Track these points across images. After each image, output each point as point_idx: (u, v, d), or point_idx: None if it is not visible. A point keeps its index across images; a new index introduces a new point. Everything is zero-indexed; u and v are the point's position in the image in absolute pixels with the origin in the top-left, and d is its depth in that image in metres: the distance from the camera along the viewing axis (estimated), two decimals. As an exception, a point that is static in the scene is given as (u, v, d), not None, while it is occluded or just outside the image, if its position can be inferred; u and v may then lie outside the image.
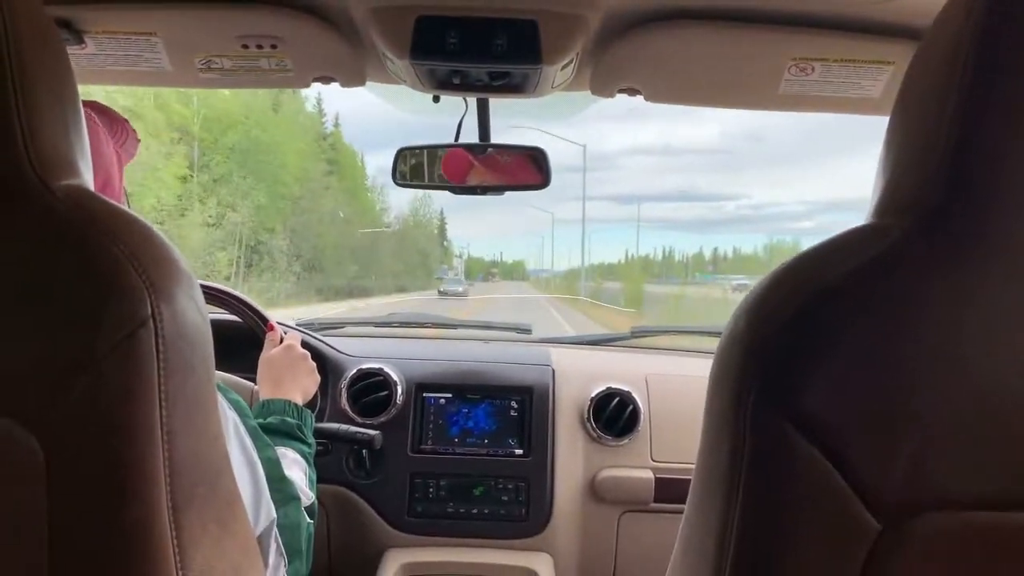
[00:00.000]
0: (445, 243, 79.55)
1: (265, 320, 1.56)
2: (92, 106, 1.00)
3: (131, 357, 0.56)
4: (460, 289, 32.28)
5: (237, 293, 1.60)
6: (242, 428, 0.93)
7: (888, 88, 1.20)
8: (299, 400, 1.29)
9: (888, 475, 0.50)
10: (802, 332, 0.51)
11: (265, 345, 1.41)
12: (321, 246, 28.70)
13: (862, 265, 0.52)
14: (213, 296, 1.57)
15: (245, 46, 1.17)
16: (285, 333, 1.49)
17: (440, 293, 30.16)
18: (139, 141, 1.06)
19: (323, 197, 29.25)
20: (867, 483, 0.50)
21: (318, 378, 1.43)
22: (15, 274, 0.56)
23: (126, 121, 1.04)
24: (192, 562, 0.61)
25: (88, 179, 0.65)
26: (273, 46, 1.17)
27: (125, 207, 0.64)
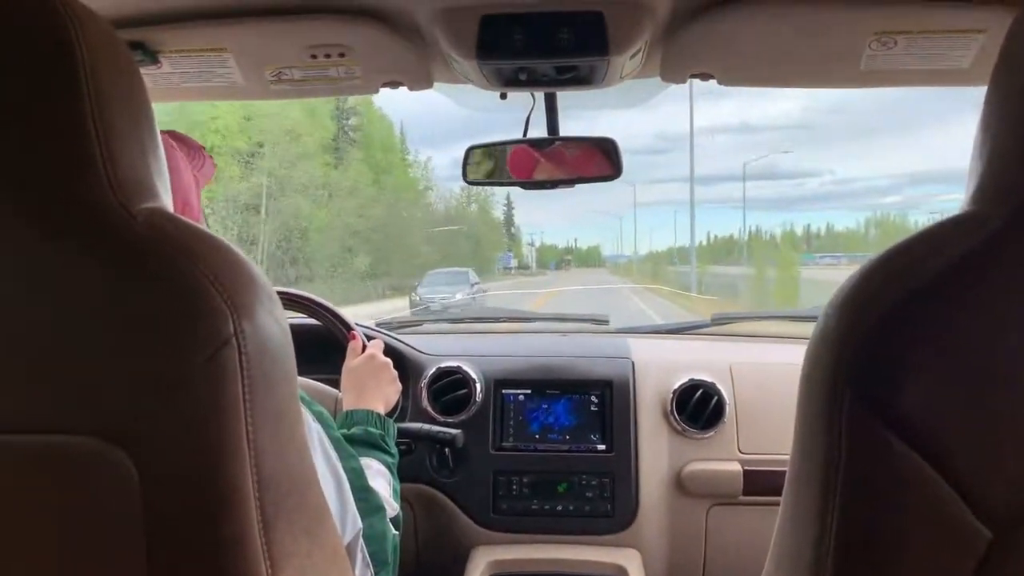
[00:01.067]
0: (513, 230, 78.93)
1: (348, 326, 1.58)
2: (170, 133, 1.03)
3: (216, 376, 0.57)
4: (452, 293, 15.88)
5: (319, 299, 1.62)
6: (326, 440, 0.94)
7: (980, 58, 1.13)
8: (381, 409, 1.30)
9: (996, 480, 0.46)
10: (898, 331, 0.48)
11: (348, 354, 1.42)
12: (387, 247, 29.01)
13: (959, 258, 0.49)
14: (296, 302, 1.60)
15: (314, 56, 1.18)
16: (367, 340, 1.50)
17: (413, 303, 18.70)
18: (215, 166, 1.09)
19: (377, 201, 29.48)
20: (974, 489, 0.47)
21: (400, 386, 1.44)
22: (100, 297, 0.57)
23: (202, 148, 1.06)
24: (283, 574, 0.62)
25: (167, 201, 0.66)
26: (341, 54, 1.18)
27: (203, 228, 0.64)
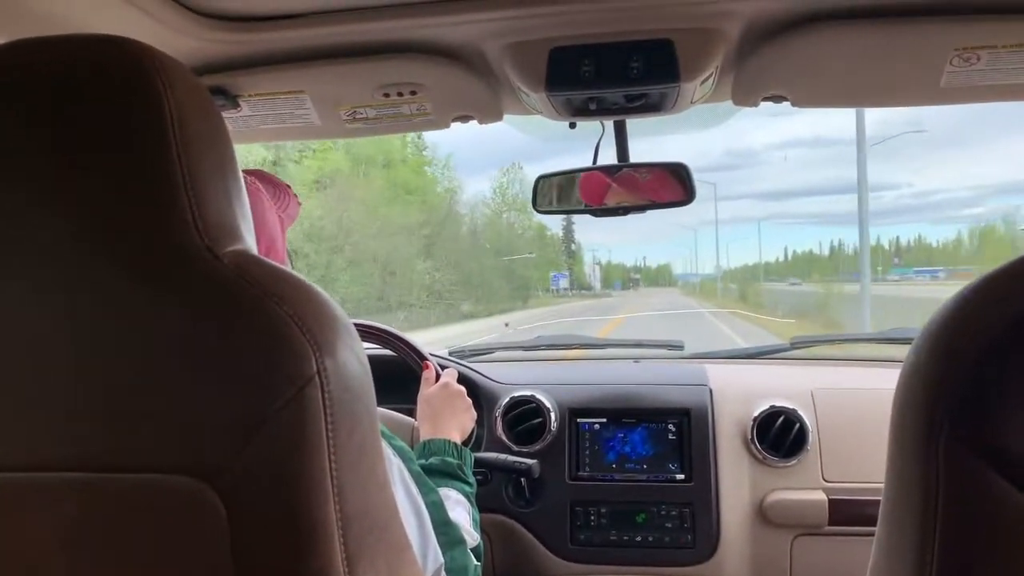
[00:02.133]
0: (573, 247, 76.05)
1: (422, 356, 1.59)
2: (255, 174, 1.06)
3: (300, 414, 0.58)
4: None
5: (393, 330, 1.65)
6: (406, 474, 0.95)
7: None
8: (457, 438, 1.30)
9: None
10: (997, 365, 0.46)
11: (422, 383, 1.44)
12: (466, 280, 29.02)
13: None
14: (371, 334, 1.63)
15: (387, 94, 1.21)
16: (441, 369, 1.51)
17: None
18: (300, 204, 1.12)
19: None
20: None
21: (475, 414, 1.44)
22: (188, 339, 0.59)
23: (288, 187, 1.09)
24: None
25: (251, 243, 0.68)
26: (413, 92, 1.21)
27: (288, 268, 0.66)
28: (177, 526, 0.59)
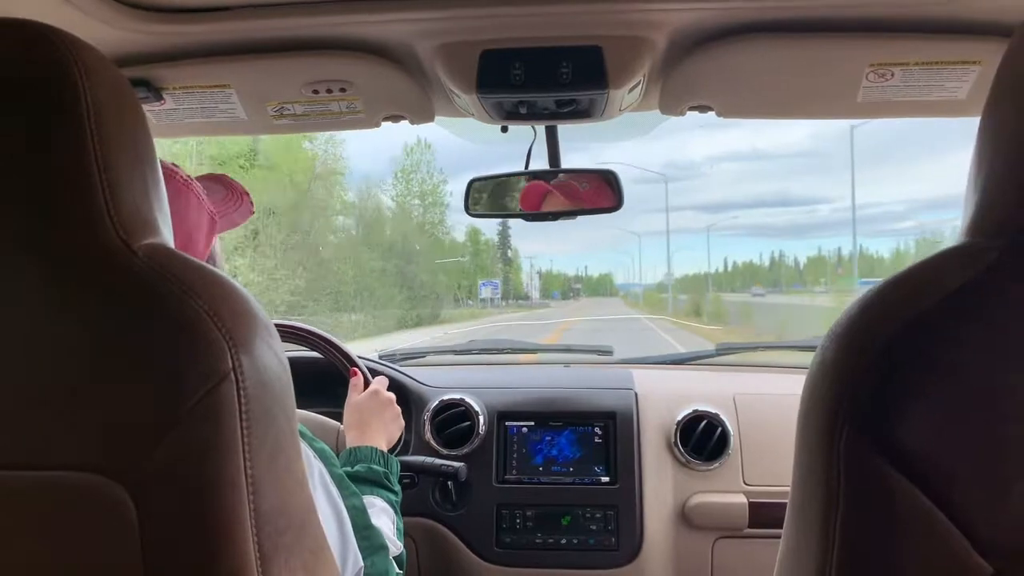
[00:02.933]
0: (509, 252, 71.15)
1: (351, 361, 1.57)
2: (214, 177, 1.04)
3: (214, 411, 0.57)
4: None
5: (322, 332, 1.61)
6: (327, 476, 0.93)
7: (976, 88, 1.14)
8: (384, 446, 1.29)
9: (999, 514, 0.46)
10: (896, 363, 0.48)
11: (351, 389, 1.42)
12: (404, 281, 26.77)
13: (956, 290, 0.49)
14: (298, 336, 1.60)
15: (316, 91, 1.20)
16: (371, 376, 1.49)
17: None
18: (253, 212, 1.10)
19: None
20: (975, 523, 0.46)
21: (403, 423, 1.43)
22: (100, 333, 0.57)
23: (245, 193, 1.08)
24: None
25: (168, 237, 0.66)
26: (342, 89, 1.19)
27: (203, 263, 0.65)
28: (85, 524, 0.58)
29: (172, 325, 0.58)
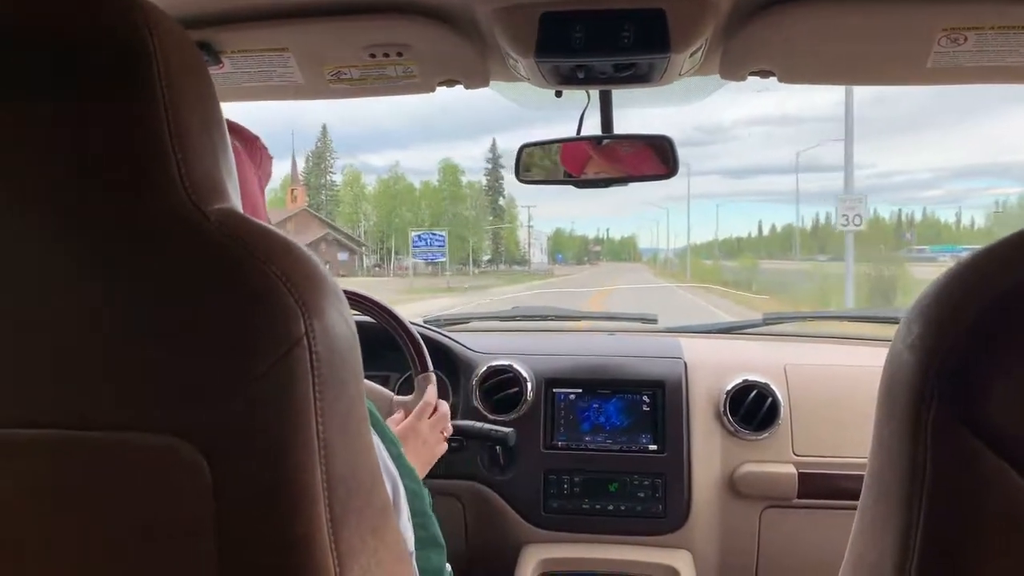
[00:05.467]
0: (501, 201, 57.37)
1: (426, 363, 1.48)
2: (228, 125, 1.01)
3: (288, 375, 0.57)
4: None
5: (383, 303, 1.52)
6: (384, 451, 0.91)
7: None
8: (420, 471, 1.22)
9: None
10: (988, 336, 0.47)
11: (418, 408, 1.36)
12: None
13: None
14: (357, 303, 1.52)
15: (372, 55, 1.19)
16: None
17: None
18: (272, 159, 1.04)
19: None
20: None
21: (445, 446, 1.39)
22: (175, 297, 0.58)
23: (257, 138, 1.02)
24: (351, 573, 0.62)
25: (237, 202, 0.66)
26: (399, 53, 1.19)
27: (271, 227, 0.65)
28: (159, 486, 0.58)
29: (245, 290, 0.58)
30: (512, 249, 61.24)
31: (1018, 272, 0.48)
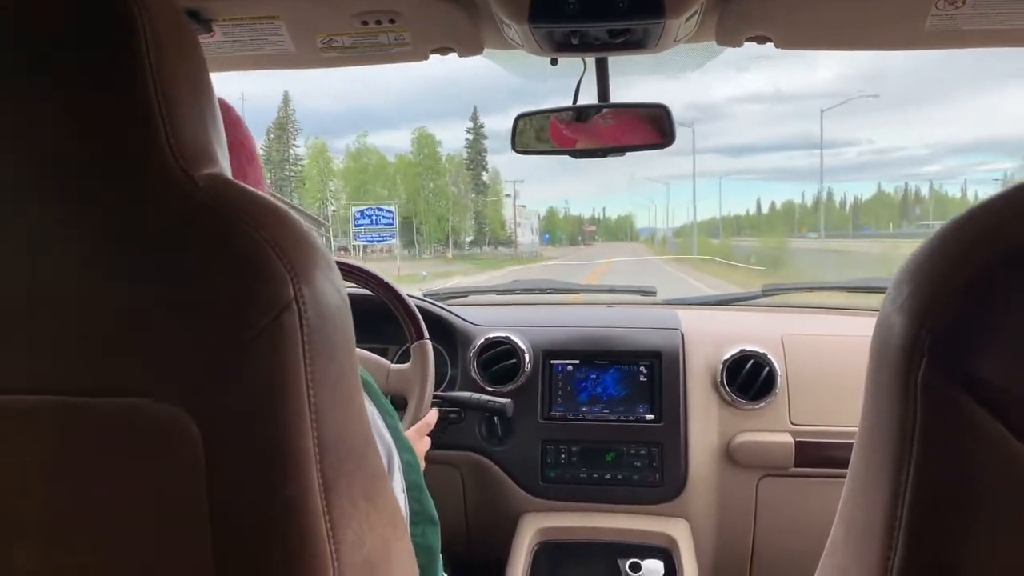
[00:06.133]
0: (485, 176, 51.03)
1: (421, 331, 1.49)
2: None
3: (277, 340, 0.57)
4: None
5: (378, 274, 1.54)
6: (380, 422, 0.90)
7: None
8: None
9: None
10: (981, 298, 0.46)
11: (417, 426, 1.37)
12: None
13: None
14: (352, 274, 1.52)
15: (365, 22, 1.18)
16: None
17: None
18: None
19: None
20: None
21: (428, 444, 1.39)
22: (162, 264, 0.58)
23: (231, 108, 1.00)
24: (344, 537, 0.62)
25: (226, 167, 0.66)
26: (391, 20, 1.17)
27: (261, 192, 0.65)
28: (152, 450, 0.59)
29: (234, 255, 0.58)
30: (497, 229, 54.70)
31: (1009, 233, 0.47)
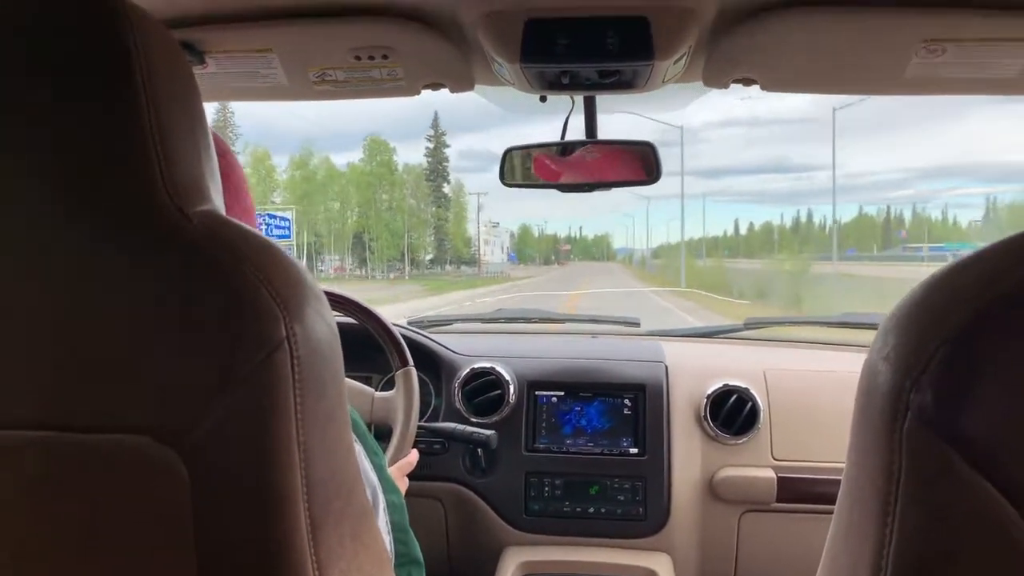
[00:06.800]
0: (446, 188, 45.38)
1: (405, 358, 1.50)
2: None
3: (268, 378, 0.57)
4: None
5: (362, 302, 1.54)
6: (366, 462, 0.90)
7: None
8: None
9: None
10: (962, 353, 0.47)
11: (399, 466, 1.36)
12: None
13: None
14: (339, 304, 1.52)
15: (358, 57, 1.19)
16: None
17: None
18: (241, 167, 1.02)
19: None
20: None
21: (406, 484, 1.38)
22: (154, 299, 0.58)
23: (228, 149, 0.99)
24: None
25: (219, 203, 0.66)
26: (384, 56, 1.19)
27: (254, 229, 0.65)
28: (138, 488, 0.58)
29: (226, 292, 0.58)
30: (460, 247, 49.84)
31: (995, 286, 0.48)
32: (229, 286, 0.58)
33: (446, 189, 47.93)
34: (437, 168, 46.30)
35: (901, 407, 0.49)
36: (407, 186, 43.28)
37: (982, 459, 0.46)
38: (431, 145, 45.07)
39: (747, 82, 1.25)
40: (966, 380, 0.47)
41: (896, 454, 0.49)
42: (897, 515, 0.49)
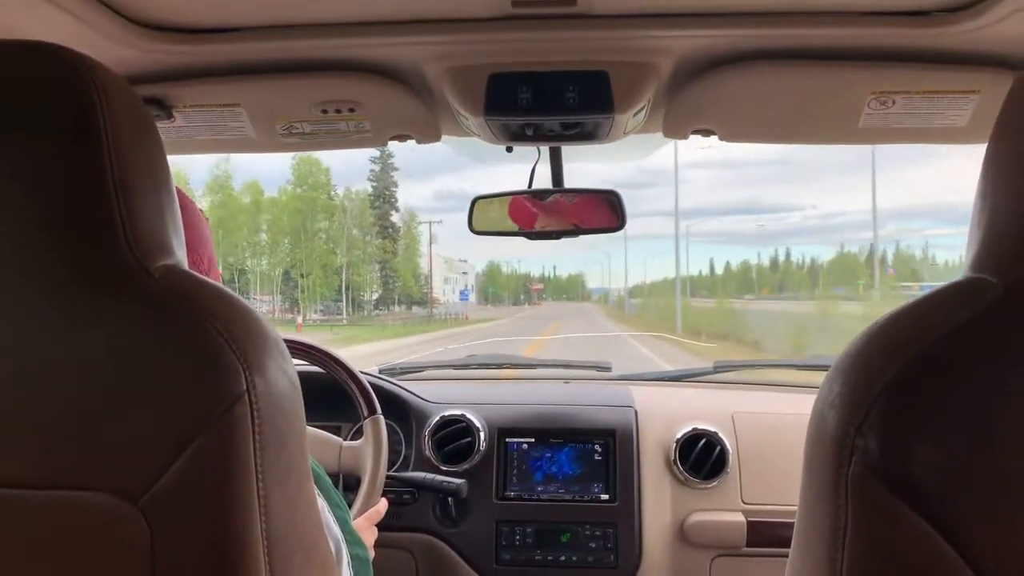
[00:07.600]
0: (394, 217, 38.93)
1: (373, 406, 1.48)
2: None
3: (228, 432, 0.57)
4: None
5: (328, 349, 1.54)
6: (329, 515, 0.90)
7: (976, 116, 1.15)
8: None
9: (1005, 548, 0.47)
10: (903, 399, 0.49)
11: (368, 515, 1.35)
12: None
13: (960, 327, 0.49)
14: (303, 352, 1.51)
15: (325, 111, 1.21)
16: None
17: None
18: (208, 220, 1.04)
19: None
20: (983, 557, 0.47)
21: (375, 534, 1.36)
22: (115, 354, 0.58)
23: (192, 203, 0.99)
24: None
25: (182, 257, 0.67)
26: (351, 109, 1.21)
27: (217, 284, 0.66)
28: (97, 544, 0.58)
29: (186, 347, 0.58)
30: (410, 284, 43.33)
31: (931, 335, 0.50)
32: (191, 342, 0.59)
33: (395, 218, 41.12)
34: (383, 194, 39.53)
35: (846, 453, 0.50)
36: (348, 214, 36.72)
37: (923, 504, 0.47)
38: (376, 168, 38.33)
39: (706, 133, 1.29)
40: (906, 427, 0.48)
41: (842, 498, 0.50)
42: (845, 558, 0.50)
